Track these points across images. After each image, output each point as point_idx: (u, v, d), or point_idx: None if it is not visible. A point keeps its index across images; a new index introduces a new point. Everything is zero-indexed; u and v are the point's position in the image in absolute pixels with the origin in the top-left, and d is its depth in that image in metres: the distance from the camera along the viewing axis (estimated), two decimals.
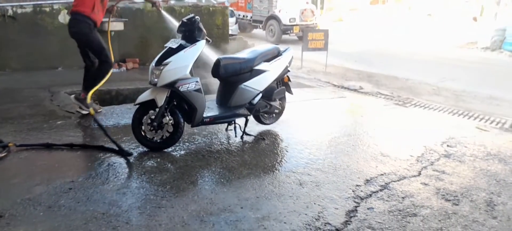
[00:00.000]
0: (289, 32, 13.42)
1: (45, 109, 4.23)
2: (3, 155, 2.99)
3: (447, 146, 3.78)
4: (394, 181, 2.94)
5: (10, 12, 5.82)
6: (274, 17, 13.61)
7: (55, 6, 6.15)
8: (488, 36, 12.79)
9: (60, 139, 3.39)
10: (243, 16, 14.87)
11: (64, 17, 6.22)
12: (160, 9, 4.15)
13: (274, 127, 4.01)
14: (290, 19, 13.38)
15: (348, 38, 14.89)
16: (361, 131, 4.11)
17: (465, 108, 5.44)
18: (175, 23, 3.96)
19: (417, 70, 8.69)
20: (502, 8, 13.84)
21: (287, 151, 3.45)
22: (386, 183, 2.90)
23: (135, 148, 3.25)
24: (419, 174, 3.11)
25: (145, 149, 3.22)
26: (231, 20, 11.28)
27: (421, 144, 3.78)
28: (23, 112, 4.07)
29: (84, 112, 4.02)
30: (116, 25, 6.43)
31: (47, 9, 6.10)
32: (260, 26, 14.27)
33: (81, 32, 3.70)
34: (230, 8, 10.03)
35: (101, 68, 3.91)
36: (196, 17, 3.27)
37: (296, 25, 13.36)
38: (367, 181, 2.92)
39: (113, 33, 6.49)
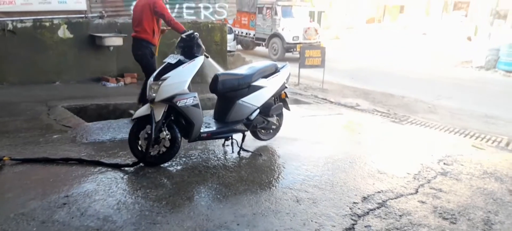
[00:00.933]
0: (292, 50, 13.52)
1: (42, 123, 4.22)
2: None
3: (444, 164, 3.78)
4: (391, 199, 2.92)
5: (10, 26, 5.85)
6: (277, 35, 13.73)
7: (55, 21, 6.20)
8: (483, 56, 12.98)
9: (56, 153, 3.36)
10: (246, 33, 14.99)
11: (63, 32, 6.26)
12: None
13: (271, 143, 4.01)
14: (293, 38, 13.49)
15: (344, 56, 15.06)
16: (358, 148, 4.11)
17: (461, 127, 5.47)
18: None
19: (413, 88, 8.77)
20: (495, 28, 14.11)
21: (284, 167, 3.44)
22: (383, 201, 2.88)
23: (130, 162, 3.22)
24: (416, 191, 3.10)
25: (141, 164, 3.20)
26: (230, 37, 11.38)
27: (418, 161, 3.78)
28: (19, 126, 4.05)
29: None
30: (115, 40, 6.49)
31: (47, 24, 6.14)
32: (263, 44, 14.38)
33: (144, 55, 4.28)
34: (228, 25, 10.14)
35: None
36: (195, 33, 3.30)
37: (300, 43, 13.47)
38: (364, 198, 2.90)
39: (111, 48, 6.56)
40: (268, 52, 14.10)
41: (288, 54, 13.63)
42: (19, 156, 3.20)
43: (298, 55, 13.78)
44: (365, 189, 3.07)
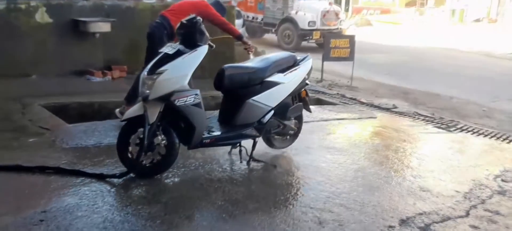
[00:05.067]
0: (307, 38, 13.41)
1: (15, 124, 4.30)
2: None
3: (502, 180, 3.72)
4: (436, 222, 2.90)
5: None
6: (289, 20, 13.63)
7: (32, 3, 6.32)
8: None
9: (32, 160, 3.42)
10: (253, 18, 14.94)
11: (41, 16, 6.37)
12: (250, 53, 4.57)
13: (288, 152, 4.01)
14: (309, 23, 13.34)
15: (378, 47, 14.94)
16: (395, 159, 4.08)
17: None
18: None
19: (464, 87, 8.65)
20: None
21: (303, 182, 3.43)
22: (426, 225, 2.86)
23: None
24: (467, 214, 3.06)
25: (131, 174, 3.24)
26: (238, 22, 11.37)
27: (469, 177, 3.74)
28: None
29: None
30: (102, 26, 6.58)
31: (23, 6, 6.26)
32: (273, 31, 14.32)
33: (153, 35, 4.39)
34: (236, 8, 10.16)
35: None
36: (198, 18, 3.33)
37: (317, 30, 13.32)
38: (403, 221, 2.88)
39: (98, 35, 6.66)
40: (277, 41, 13.96)
41: (302, 43, 13.52)
42: None
43: (314, 44, 13.68)
44: (404, 210, 3.04)
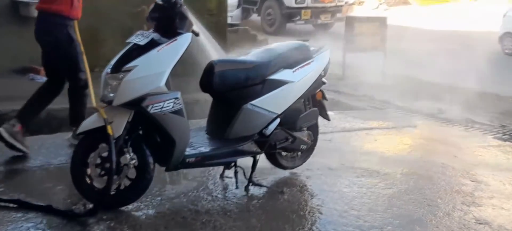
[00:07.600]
0: (295, 18, 13.58)
1: None
2: None
3: None
4: None
5: None
6: None
7: None
8: None
9: None
10: None
11: None
12: None
13: (300, 173, 4.02)
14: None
15: (418, 32, 14.98)
16: (441, 182, 4.10)
17: None
18: None
19: None
20: None
21: (320, 213, 3.44)
22: None
23: (76, 203, 3.26)
24: None
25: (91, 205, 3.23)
26: (232, 2, 11.46)
27: None
28: None
29: (23, 149, 4.04)
30: None
31: None
32: (254, 9, 14.51)
33: (59, 42, 4.06)
34: None
35: (76, 94, 4.25)
36: None
37: (306, 8, 13.49)
38: None
39: None
40: (260, 23, 14.11)
41: (289, 25, 13.69)
42: None
43: (304, 26, 13.59)
44: None
